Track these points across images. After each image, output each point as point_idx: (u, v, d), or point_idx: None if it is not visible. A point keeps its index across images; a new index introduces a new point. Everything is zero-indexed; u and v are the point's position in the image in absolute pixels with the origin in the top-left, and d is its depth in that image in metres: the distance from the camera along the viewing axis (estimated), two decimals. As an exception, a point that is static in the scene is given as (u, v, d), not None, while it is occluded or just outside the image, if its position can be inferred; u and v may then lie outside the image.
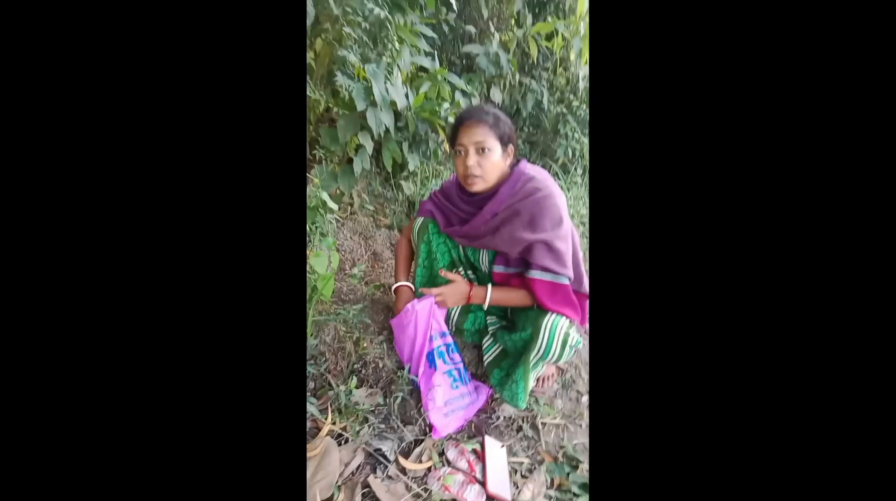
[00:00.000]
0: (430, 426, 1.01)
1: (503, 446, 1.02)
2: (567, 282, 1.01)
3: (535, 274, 1.00)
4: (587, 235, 2.00)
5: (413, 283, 1.23)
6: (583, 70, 2.29)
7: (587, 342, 1.43)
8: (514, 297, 1.07)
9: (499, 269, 1.09)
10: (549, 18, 2.04)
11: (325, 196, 1.02)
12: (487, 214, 1.04)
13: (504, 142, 1.00)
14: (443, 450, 0.99)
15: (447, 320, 1.22)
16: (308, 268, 1.04)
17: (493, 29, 2.03)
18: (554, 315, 1.00)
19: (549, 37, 2.07)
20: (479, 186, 1.01)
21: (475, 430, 1.06)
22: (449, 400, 1.05)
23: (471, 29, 2.07)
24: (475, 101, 1.81)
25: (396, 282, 1.22)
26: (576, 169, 2.42)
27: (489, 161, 0.99)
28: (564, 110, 2.32)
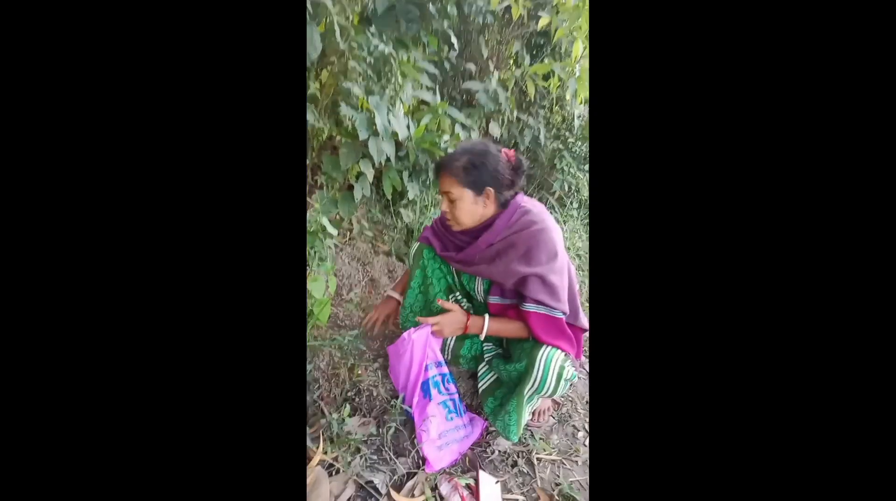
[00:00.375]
0: (424, 459, 0.98)
1: (498, 482, 0.99)
2: (561, 316, 1.01)
3: (530, 307, 1.00)
4: (584, 268, 2.01)
5: (402, 306, 1.23)
6: (578, 109, 2.37)
7: (583, 377, 1.41)
8: (511, 328, 1.06)
9: (494, 300, 1.09)
10: (546, 60, 2.13)
11: (324, 221, 1.03)
12: (483, 244, 1.06)
13: (478, 187, 1.00)
14: (436, 484, 0.95)
15: (443, 345, 1.21)
16: (306, 292, 1.04)
17: (492, 67, 2.12)
18: (549, 348, 0.99)
19: (546, 77, 2.16)
20: (456, 227, 1.08)
21: (469, 464, 1.03)
22: (443, 432, 1.03)
23: (471, 67, 2.16)
24: (474, 134, 1.87)
25: (393, 291, 1.23)
26: (572, 202, 2.47)
27: (458, 209, 1.03)
28: (560, 146, 2.39)
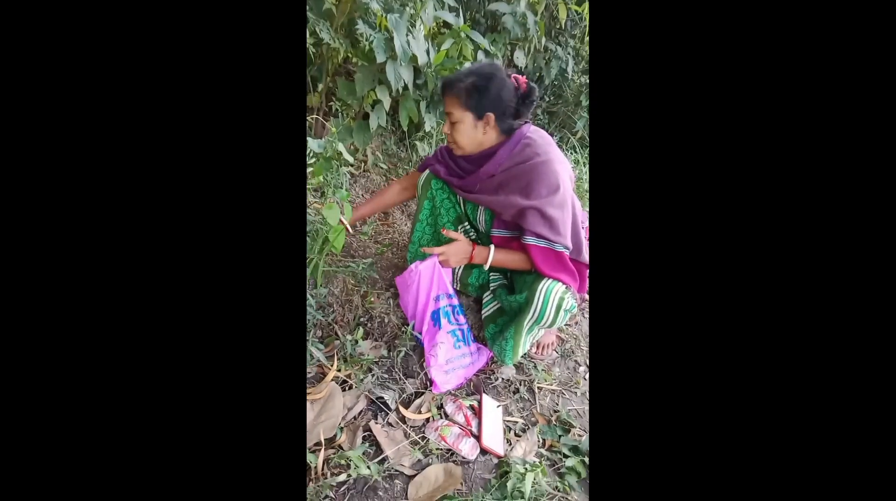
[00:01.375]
0: (431, 381, 1.05)
1: (499, 405, 1.05)
2: (562, 250, 1.01)
3: (530, 240, 1.00)
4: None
5: (411, 236, 1.25)
6: (611, 39, 2.19)
7: (587, 315, 1.44)
8: (515, 260, 1.07)
9: (497, 232, 1.10)
10: (582, -20, 1.94)
11: (341, 147, 1.01)
12: (484, 174, 1.05)
13: (479, 111, 0.98)
14: (441, 404, 1.02)
15: (452, 275, 1.24)
16: (321, 219, 1.05)
17: (522, -13, 1.94)
18: (549, 281, 1.00)
19: (580, 1, 1.97)
20: (456, 151, 1.06)
21: (474, 388, 1.09)
22: (451, 359, 1.08)
23: (499, -14, 1.98)
24: (498, 62, 1.75)
25: (355, 213, 1.18)
26: (594, 143, 2.37)
27: (458, 131, 1.01)
28: (589, 81, 2.24)
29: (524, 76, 1.01)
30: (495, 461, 0.94)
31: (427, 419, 0.98)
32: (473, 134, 1.01)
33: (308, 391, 0.94)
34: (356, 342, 1.06)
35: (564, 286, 1.01)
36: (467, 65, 1.47)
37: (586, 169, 2.22)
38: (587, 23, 2.15)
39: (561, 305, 0.99)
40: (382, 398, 0.98)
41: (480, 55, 1.59)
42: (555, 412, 1.09)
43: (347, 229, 1.11)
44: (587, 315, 1.43)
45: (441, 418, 0.99)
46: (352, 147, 1.50)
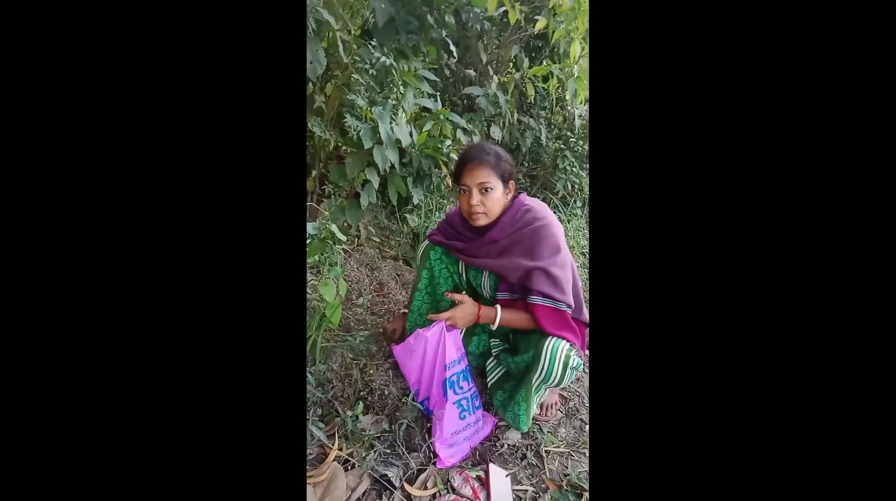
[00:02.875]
0: (436, 455, 1.02)
1: (508, 474, 1.02)
2: (566, 309, 1.04)
3: (536, 300, 1.04)
4: (587, 265, 2.04)
5: (410, 306, 1.28)
6: (578, 109, 2.40)
7: (588, 372, 1.44)
8: (521, 319, 1.09)
9: (502, 296, 1.13)
10: (545, 62, 2.17)
11: (334, 228, 1.08)
12: (487, 241, 1.10)
13: (505, 179, 1.07)
14: (447, 477, 0.99)
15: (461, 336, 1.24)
16: (317, 296, 1.09)
17: (491, 72, 2.17)
18: (555, 339, 1.02)
19: (546, 79, 2.19)
20: (482, 221, 1.08)
21: (479, 457, 1.07)
22: (456, 431, 1.06)
23: (471, 72, 2.21)
24: (476, 138, 1.91)
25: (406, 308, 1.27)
26: (575, 201, 2.49)
27: (491, 199, 1.06)
28: (562, 146, 2.42)
29: None
30: (508, 535, 0.90)
31: (433, 495, 0.95)
32: (502, 201, 1.08)
33: (310, 473, 0.92)
34: (357, 417, 1.05)
35: (569, 344, 1.03)
36: (448, 142, 1.61)
37: (570, 225, 2.32)
38: (554, 97, 2.37)
39: (568, 362, 1.00)
40: (386, 475, 0.96)
41: (459, 133, 1.74)
42: (565, 476, 1.06)
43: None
44: (587, 371, 1.42)
45: (448, 492, 0.96)
46: (345, 224, 1.58)
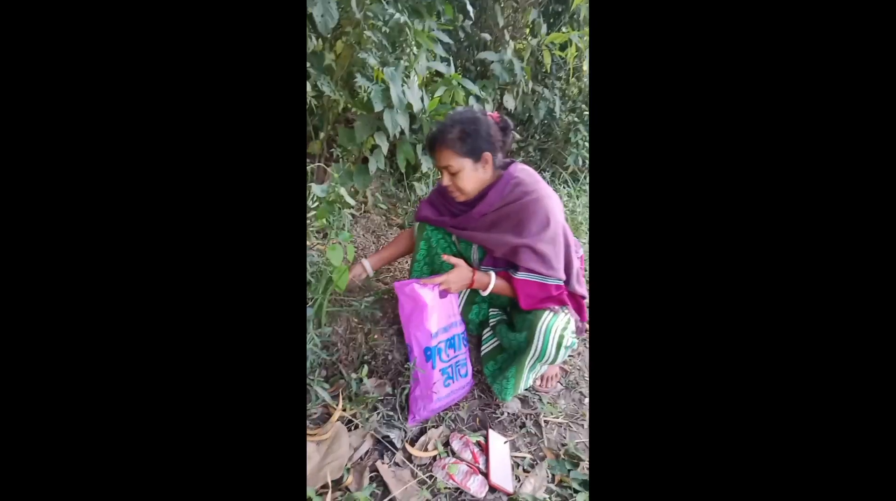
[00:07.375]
0: (409, 412, 1.03)
1: (507, 441, 1.04)
2: (556, 283, 1.02)
3: (522, 276, 1.02)
4: (595, 241, 2.01)
5: (410, 276, 1.27)
6: (595, 80, 2.32)
7: (588, 346, 1.45)
8: (511, 288, 1.08)
9: (487, 269, 1.12)
10: (564, 29, 2.07)
11: (342, 191, 1.06)
12: (476, 214, 1.09)
13: (475, 154, 1.01)
14: (448, 440, 1.01)
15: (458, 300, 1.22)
16: (325, 260, 1.08)
17: (507, 37, 2.08)
18: (549, 317, 1.01)
19: (563, 47, 2.11)
20: (460, 198, 1.08)
21: (480, 424, 1.09)
22: (439, 397, 1.05)
23: (486, 36, 2.12)
24: (489, 106, 1.85)
25: (374, 258, 1.24)
26: (585, 177, 2.45)
27: (461, 179, 1.04)
28: (576, 119, 2.36)
29: (496, 113, 1.09)
30: (505, 498, 0.92)
31: (434, 457, 0.97)
32: (476, 177, 1.04)
33: (314, 432, 0.94)
34: (361, 380, 1.07)
35: (564, 322, 1.02)
36: (459, 109, 1.56)
37: (579, 201, 2.28)
38: (571, 66, 2.28)
39: (562, 342, 1.00)
40: (388, 437, 0.98)
41: (472, 100, 1.69)
42: (562, 445, 1.08)
43: (368, 273, 1.15)
44: (587, 345, 1.43)
45: (448, 455, 0.98)
46: (352, 190, 1.56)
